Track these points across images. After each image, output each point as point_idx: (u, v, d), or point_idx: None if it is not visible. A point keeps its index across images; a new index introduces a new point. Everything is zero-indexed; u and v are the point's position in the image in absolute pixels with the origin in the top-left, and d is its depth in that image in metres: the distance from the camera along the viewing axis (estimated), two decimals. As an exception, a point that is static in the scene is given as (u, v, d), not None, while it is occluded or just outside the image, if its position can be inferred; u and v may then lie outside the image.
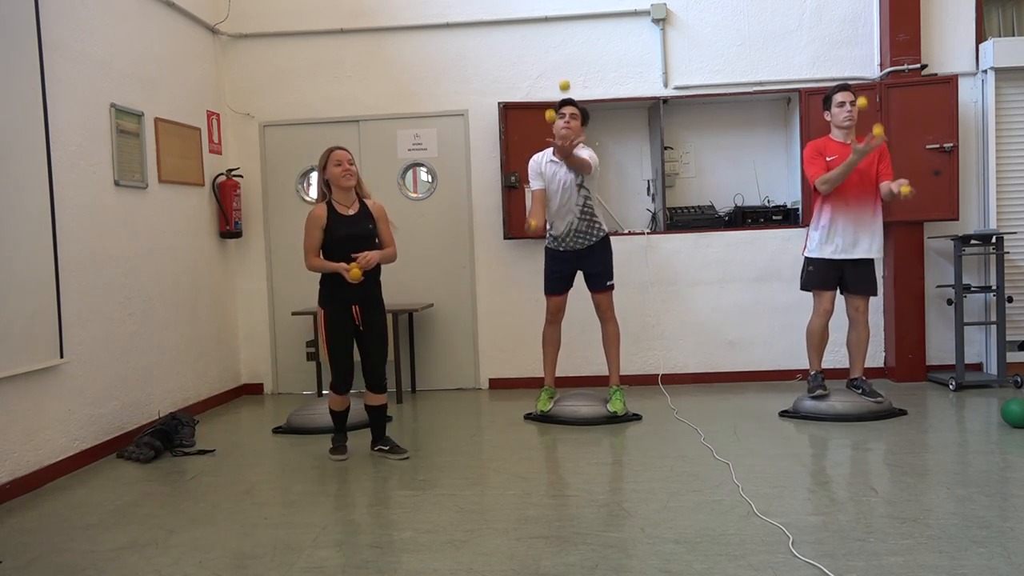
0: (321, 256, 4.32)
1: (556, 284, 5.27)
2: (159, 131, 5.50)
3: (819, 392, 5.07)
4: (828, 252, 5.01)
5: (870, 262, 5.04)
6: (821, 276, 5.07)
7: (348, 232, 4.25)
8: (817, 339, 5.17)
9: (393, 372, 6.15)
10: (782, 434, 4.73)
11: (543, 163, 5.17)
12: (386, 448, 4.53)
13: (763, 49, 6.35)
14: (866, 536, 3.08)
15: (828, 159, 4.95)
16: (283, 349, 6.72)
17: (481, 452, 4.62)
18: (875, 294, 5.14)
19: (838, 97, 4.99)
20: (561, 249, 5.21)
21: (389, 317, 5.91)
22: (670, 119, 6.55)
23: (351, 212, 4.31)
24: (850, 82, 5.27)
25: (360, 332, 4.39)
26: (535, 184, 5.18)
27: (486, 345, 6.55)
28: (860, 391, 5.07)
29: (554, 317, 5.33)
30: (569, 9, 6.41)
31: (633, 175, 6.71)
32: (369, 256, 4.22)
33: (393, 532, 3.34)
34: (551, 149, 5.08)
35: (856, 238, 4.98)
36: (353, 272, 4.15)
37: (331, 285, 4.31)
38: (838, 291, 5.11)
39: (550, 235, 5.24)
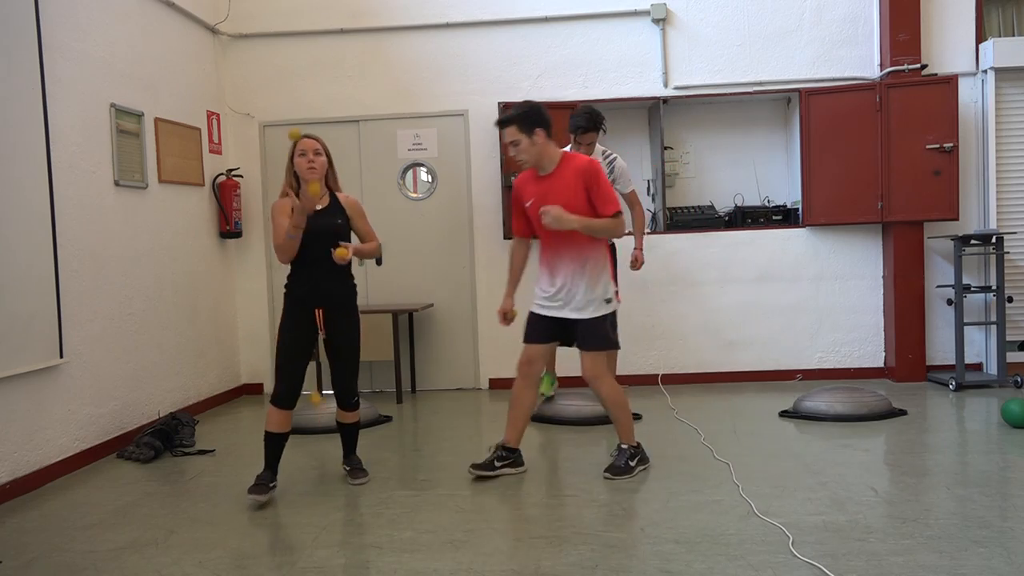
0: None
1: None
2: (159, 131, 5.50)
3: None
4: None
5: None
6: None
7: (316, 227, 3.79)
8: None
9: (393, 372, 6.16)
10: (782, 434, 4.73)
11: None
12: (348, 468, 4.13)
13: (763, 49, 6.35)
14: (866, 536, 3.08)
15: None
16: (283, 349, 6.71)
17: (481, 452, 4.62)
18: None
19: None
20: None
21: (388, 317, 5.93)
22: (670, 119, 6.55)
23: (320, 207, 3.87)
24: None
25: (326, 341, 3.93)
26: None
27: (486, 345, 6.54)
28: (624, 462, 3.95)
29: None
30: (569, 9, 6.41)
31: (633, 175, 6.66)
32: (347, 251, 3.72)
33: (393, 532, 3.34)
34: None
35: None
36: (339, 252, 3.67)
37: (293, 282, 3.91)
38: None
39: None
